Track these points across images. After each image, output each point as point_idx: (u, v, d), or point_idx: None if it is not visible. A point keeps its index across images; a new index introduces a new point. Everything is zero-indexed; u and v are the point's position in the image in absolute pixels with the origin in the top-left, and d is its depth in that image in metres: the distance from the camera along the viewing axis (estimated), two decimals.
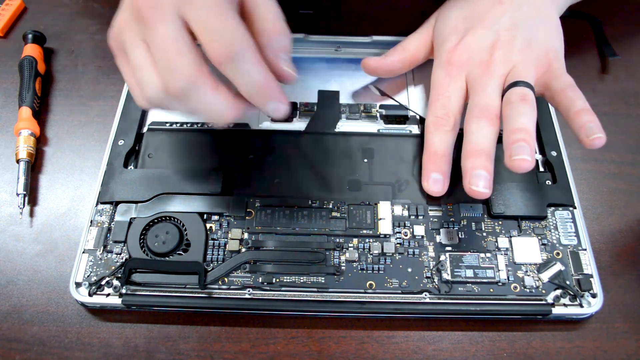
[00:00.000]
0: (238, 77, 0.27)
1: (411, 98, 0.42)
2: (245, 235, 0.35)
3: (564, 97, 0.33)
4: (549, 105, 0.41)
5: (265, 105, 0.29)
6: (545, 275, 0.33)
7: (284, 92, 0.29)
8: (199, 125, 0.40)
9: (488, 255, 0.34)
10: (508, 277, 0.33)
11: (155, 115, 0.40)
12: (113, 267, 0.33)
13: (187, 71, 0.26)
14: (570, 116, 0.32)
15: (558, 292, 0.33)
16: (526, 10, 0.36)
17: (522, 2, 0.37)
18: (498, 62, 0.35)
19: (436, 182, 0.34)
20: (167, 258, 0.34)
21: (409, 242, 0.34)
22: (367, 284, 0.33)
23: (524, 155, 0.30)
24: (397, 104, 0.41)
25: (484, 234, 0.35)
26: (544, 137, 0.39)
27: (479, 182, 0.31)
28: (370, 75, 0.41)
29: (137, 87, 0.29)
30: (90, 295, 0.33)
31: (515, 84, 0.33)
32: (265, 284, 0.33)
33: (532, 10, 0.36)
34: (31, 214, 0.38)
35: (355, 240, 0.34)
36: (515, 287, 0.33)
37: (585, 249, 0.34)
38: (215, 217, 0.35)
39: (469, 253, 0.34)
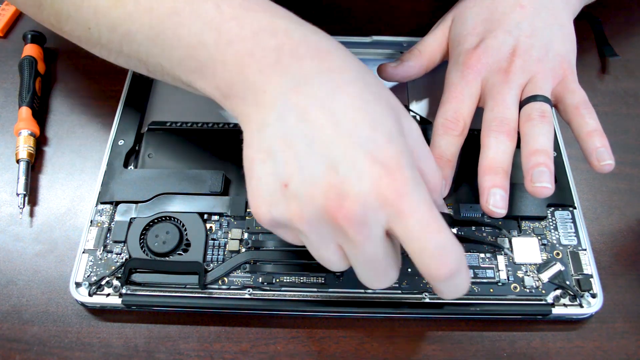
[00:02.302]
0: (449, 290, 0.25)
1: (411, 98, 0.42)
2: (245, 235, 0.35)
3: (577, 115, 0.33)
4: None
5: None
6: (545, 276, 0.33)
7: None
8: (199, 125, 0.40)
9: (488, 255, 0.34)
10: (508, 277, 0.33)
11: (155, 115, 0.40)
12: (113, 267, 0.33)
13: (392, 280, 0.26)
14: (582, 137, 0.32)
15: (558, 292, 0.33)
16: (544, 17, 0.35)
17: (541, 7, 0.35)
18: (517, 71, 0.34)
19: None
20: (167, 258, 0.34)
21: None
22: None
23: (545, 183, 0.29)
24: None
25: (484, 234, 0.35)
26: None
27: (498, 202, 0.30)
28: (387, 81, 0.40)
29: (343, 267, 0.26)
30: (90, 295, 0.33)
31: (534, 97, 0.33)
32: (265, 284, 0.33)
33: (550, 17, 0.35)
34: (31, 214, 0.38)
35: None
36: (515, 287, 0.33)
37: (585, 249, 0.34)
38: (215, 217, 0.35)
39: (469, 253, 0.34)
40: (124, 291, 0.33)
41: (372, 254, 0.24)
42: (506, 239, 0.35)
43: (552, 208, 0.36)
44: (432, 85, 0.42)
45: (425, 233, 0.23)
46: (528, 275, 0.33)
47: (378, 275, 0.26)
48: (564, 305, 0.33)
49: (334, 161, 0.23)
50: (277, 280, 0.33)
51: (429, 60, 0.39)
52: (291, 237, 0.26)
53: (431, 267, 0.23)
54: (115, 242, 0.34)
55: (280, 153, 0.24)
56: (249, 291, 0.33)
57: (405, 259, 0.34)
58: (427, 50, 0.39)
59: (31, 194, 0.38)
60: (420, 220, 0.23)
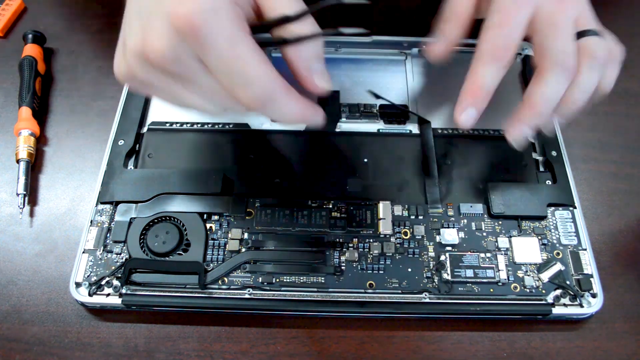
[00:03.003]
0: (275, 116, 0.27)
1: (411, 98, 0.42)
2: (245, 235, 0.35)
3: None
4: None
5: (305, 125, 0.30)
6: (545, 275, 0.33)
7: (315, 102, 0.28)
8: (199, 125, 0.40)
9: (488, 255, 0.34)
10: (508, 277, 0.33)
11: (155, 115, 0.40)
12: (113, 267, 0.33)
13: (252, 95, 0.26)
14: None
15: (558, 292, 0.33)
16: None
17: None
18: (570, 1, 0.31)
19: (469, 117, 0.32)
20: (167, 258, 0.34)
21: (409, 242, 0.34)
22: (367, 284, 0.33)
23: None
24: (397, 104, 0.41)
25: (484, 234, 0.35)
26: (544, 137, 0.39)
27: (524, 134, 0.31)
28: (435, 62, 0.35)
29: (204, 104, 0.28)
30: (90, 295, 0.33)
31: (593, 32, 0.31)
32: (265, 284, 0.33)
33: None
34: (31, 214, 0.38)
35: (355, 240, 0.34)
36: (516, 287, 0.33)
37: (585, 249, 0.34)
38: (215, 217, 0.35)
39: (469, 253, 0.34)
40: (124, 291, 0.33)
41: (206, 85, 0.26)
42: (506, 239, 0.35)
43: (552, 208, 0.36)
44: (432, 85, 0.42)
45: (227, 69, 0.24)
46: (528, 275, 0.33)
47: (228, 104, 0.27)
48: (564, 305, 0.33)
49: (150, 10, 0.25)
50: (277, 280, 0.33)
51: (468, 19, 0.34)
52: (155, 93, 0.29)
53: (241, 100, 0.25)
54: (115, 242, 0.34)
55: (127, 18, 0.27)
56: (249, 291, 0.33)
57: (405, 259, 0.34)
58: (461, 8, 0.34)
59: (31, 194, 0.38)
60: (219, 54, 0.24)
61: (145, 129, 0.40)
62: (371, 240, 0.34)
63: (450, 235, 0.34)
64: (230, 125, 0.40)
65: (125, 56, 0.27)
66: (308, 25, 0.27)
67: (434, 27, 0.35)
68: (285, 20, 0.27)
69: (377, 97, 0.40)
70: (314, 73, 0.28)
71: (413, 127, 0.40)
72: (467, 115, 0.32)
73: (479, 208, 0.36)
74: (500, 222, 0.35)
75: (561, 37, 0.30)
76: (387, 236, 0.35)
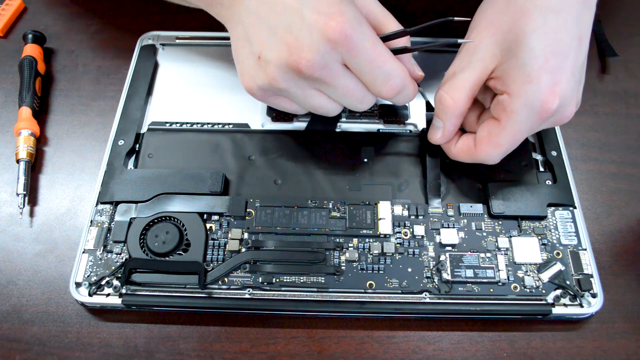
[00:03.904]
0: (402, 100, 0.33)
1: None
2: (245, 235, 0.35)
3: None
4: None
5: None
6: (546, 275, 0.33)
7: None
8: (199, 125, 0.40)
9: (488, 255, 0.34)
10: (508, 277, 0.33)
11: (155, 115, 0.40)
12: (113, 267, 0.33)
13: (373, 100, 0.33)
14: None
15: (558, 292, 0.33)
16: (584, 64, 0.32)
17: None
18: (564, 120, 0.32)
19: None
20: (167, 258, 0.34)
21: (409, 242, 0.34)
22: (367, 284, 0.33)
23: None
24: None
25: (484, 234, 0.35)
26: (544, 137, 0.39)
27: None
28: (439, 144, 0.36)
29: (330, 105, 0.32)
30: (90, 295, 0.33)
31: None
32: (265, 284, 0.33)
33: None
34: (31, 214, 0.38)
35: (355, 240, 0.34)
36: (516, 287, 0.33)
37: (585, 249, 0.34)
38: (215, 217, 0.35)
39: (469, 253, 0.34)
40: (124, 291, 0.33)
41: (344, 86, 0.30)
42: (506, 239, 0.35)
43: (552, 208, 0.36)
44: (432, 85, 0.42)
45: (372, 67, 0.30)
46: (528, 275, 0.33)
47: (359, 100, 0.32)
48: (564, 305, 0.33)
49: (289, 25, 0.29)
50: (277, 280, 0.33)
51: (468, 106, 0.33)
52: (285, 104, 0.33)
53: (382, 92, 0.31)
54: (115, 242, 0.34)
55: (253, 34, 0.30)
56: (249, 291, 0.33)
57: (405, 260, 0.34)
58: (465, 95, 0.32)
59: (31, 194, 0.38)
60: (366, 56, 0.29)
61: (145, 129, 0.40)
62: (371, 240, 0.34)
63: (450, 235, 0.34)
64: (230, 125, 0.40)
65: (264, 69, 0.30)
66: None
67: (430, 106, 0.37)
68: (402, 33, 0.33)
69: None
70: (415, 68, 0.34)
71: (413, 127, 0.40)
72: None
73: (479, 208, 0.36)
74: (500, 222, 0.35)
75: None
76: (387, 236, 0.35)
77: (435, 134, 0.35)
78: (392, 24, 0.33)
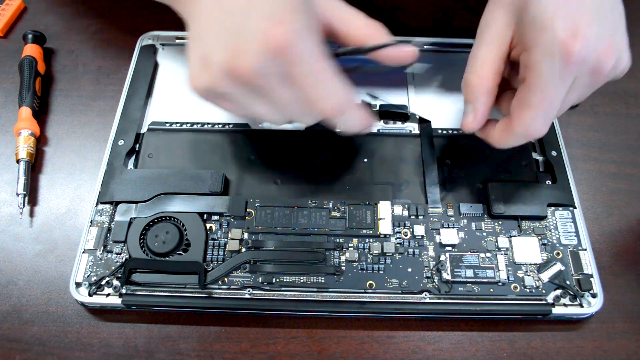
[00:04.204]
0: (344, 124, 0.31)
1: (411, 98, 0.42)
2: (245, 235, 0.35)
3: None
4: None
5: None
6: (545, 275, 0.33)
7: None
8: (199, 125, 0.40)
9: (488, 255, 0.34)
10: (508, 277, 0.33)
11: (155, 115, 0.40)
12: (113, 267, 0.33)
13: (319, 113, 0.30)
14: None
15: (558, 292, 0.33)
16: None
17: None
18: (606, 77, 0.30)
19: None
20: (167, 258, 0.34)
21: (409, 242, 0.34)
22: (367, 284, 0.33)
23: None
24: (397, 104, 0.41)
25: (484, 234, 0.35)
26: (544, 137, 0.39)
27: None
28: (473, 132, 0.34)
29: (274, 115, 0.31)
30: (90, 295, 0.33)
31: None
32: (265, 284, 0.33)
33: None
34: (31, 214, 0.38)
35: (355, 240, 0.34)
36: (516, 287, 0.33)
37: (585, 249, 0.34)
38: (215, 217, 0.35)
39: (469, 253, 0.34)
40: (124, 291, 0.33)
41: (285, 98, 0.28)
42: (506, 239, 0.35)
43: (552, 208, 0.36)
44: (432, 85, 0.42)
45: (312, 82, 0.28)
46: (528, 275, 0.33)
47: (301, 114, 0.30)
48: (564, 305, 0.33)
49: (236, 29, 0.27)
50: (277, 280, 0.33)
51: (495, 90, 0.32)
52: (228, 105, 0.31)
53: (319, 110, 0.29)
54: (115, 242, 0.34)
55: (204, 34, 0.29)
56: (249, 291, 0.33)
57: (405, 260, 0.34)
58: (488, 70, 0.31)
59: (31, 194, 0.38)
60: (307, 70, 0.27)
61: (145, 129, 0.40)
62: (371, 240, 0.34)
63: (450, 235, 0.34)
64: (230, 125, 0.40)
65: (208, 70, 0.28)
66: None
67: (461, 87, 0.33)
68: (358, 51, 0.31)
69: (375, 98, 0.40)
70: (402, 47, 0.32)
71: (413, 127, 0.40)
72: None
73: (479, 208, 0.36)
74: (500, 222, 0.35)
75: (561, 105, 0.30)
76: (387, 236, 0.35)
77: (467, 118, 0.32)
78: (358, 24, 0.31)
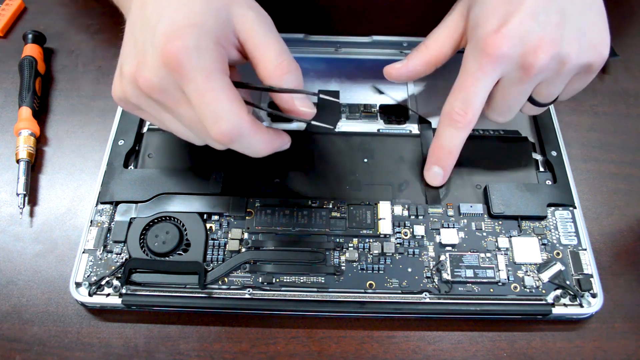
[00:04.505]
0: (244, 151, 0.29)
1: (411, 97, 0.42)
2: (245, 235, 0.35)
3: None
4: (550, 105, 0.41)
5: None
6: (545, 275, 0.33)
7: (280, 130, 0.32)
8: None
9: (488, 255, 0.34)
10: (508, 277, 0.33)
11: None
12: (113, 267, 0.33)
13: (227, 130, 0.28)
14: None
15: (558, 292, 0.33)
16: None
17: None
18: (540, 71, 0.30)
19: (435, 175, 0.35)
20: (167, 258, 0.34)
21: (409, 242, 0.34)
22: (367, 284, 0.33)
23: None
24: (397, 103, 0.41)
25: (484, 234, 0.35)
26: (544, 137, 0.39)
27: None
28: (395, 81, 0.37)
29: (186, 132, 0.30)
30: (90, 295, 0.33)
31: (539, 104, 0.34)
32: (265, 284, 0.33)
33: None
34: (31, 214, 0.38)
35: (355, 240, 0.34)
36: (515, 287, 0.33)
37: (585, 249, 0.34)
38: (215, 217, 0.35)
39: (469, 253, 0.34)
40: (124, 291, 0.33)
41: (186, 116, 0.28)
42: (506, 239, 0.35)
43: (552, 208, 0.36)
44: (432, 85, 0.42)
45: (200, 102, 0.26)
46: (528, 275, 0.33)
47: (206, 135, 0.28)
48: (564, 305, 0.33)
49: (143, 41, 0.27)
50: (277, 280, 0.33)
51: (436, 56, 0.35)
52: (145, 116, 0.31)
53: (211, 131, 0.27)
54: (115, 242, 0.34)
55: (124, 45, 0.29)
56: (249, 291, 0.33)
57: (405, 260, 0.34)
58: (435, 44, 0.35)
59: (31, 194, 0.38)
60: (196, 88, 0.26)
61: (145, 129, 0.40)
62: (371, 240, 0.34)
63: (450, 235, 0.34)
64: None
65: (121, 80, 0.29)
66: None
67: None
68: (269, 90, 0.29)
69: (381, 92, 0.40)
70: (296, 101, 0.30)
71: (413, 127, 0.40)
72: (433, 173, 0.36)
73: (479, 208, 0.36)
74: (500, 222, 0.35)
75: (506, 111, 0.34)
76: (387, 236, 0.35)
77: (396, 64, 0.36)
78: (270, 58, 0.29)
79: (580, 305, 0.33)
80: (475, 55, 0.31)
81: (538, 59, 0.30)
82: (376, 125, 0.40)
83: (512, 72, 0.31)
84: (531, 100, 0.34)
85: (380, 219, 0.35)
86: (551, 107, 0.41)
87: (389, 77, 0.37)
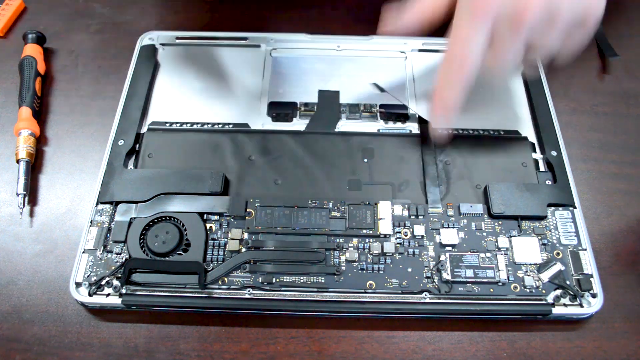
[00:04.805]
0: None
1: (411, 97, 0.42)
2: (245, 235, 0.35)
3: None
4: (550, 105, 0.41)
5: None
6: (545, 275, 0.33)
7: None
8: (199, 125, 0.40)
9: (488, 255, 0.34)
10: (508, 277, 0.33)
11: (155, 115, 0.40)
12: (113, 267, 0.33)
13: None
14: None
15: (558, 292, 0.33)
16: None
17: None
18: (531, 25, 0.30)
19: (441, 114, 0.34)
20: (167, 258, 0.34)
21: (409, 242, 0.34)
22: (367, 284, 0.33)
23: None
24: (398, 102, 0.41)
25: (484, 234, 0.35)
26: (544, 137, 0.39)
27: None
28: (389, 35, 0.36)
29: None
30: (90, 295, 0.33)
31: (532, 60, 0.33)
32: (265, 284, 0.33)
33: None
34: (31, 214, 0.38)
35: (355, 240, 0.34)
36: (516, 287, 0.33)
37: (585, 249, 0.34)
38: (215, 217, 0.35)
39: (469, 253, 0.34)
40: (124, 291, 0.33)
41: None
42: (506, 239, 0.35)
43: (552, 208, 0.36)
44: (432, 85, 0.42)
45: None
46: (528, 275, 0.33)
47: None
48: (564, 305, 0.33)
49: None
50: (277, 280, 0.33)
51: (432, 14, 0.34)
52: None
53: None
54: (115, 242, 0.34)
55: None
56: (249, 291, 0.33)
57: (405, 260, 0.34)
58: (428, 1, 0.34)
59: (31, 194, 0.38)
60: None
61: (145, 129, 0.40)
62: (371, 240, 0.34)
63: (450, 235, 0.34)
64: (230, 125, 0.40)
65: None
66: None
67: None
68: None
69: (382, 90, 0.40)
70: None
71: (413, 127, 0.40)
72: (438, 116, 0.34)
73: (479, 208, 0.36)
74: (500, 222, 0.35)
75: (497, 63, 0.32)
76: (387, 236, 0.35)
77: (388, 22, 0.35)
78: None
79: (580, 305, 0.33)
80: (465, 12, 0.31)
81: (527, 12, 0.30)
82: (376, 125, 0.40)
83: (502, 27, 0.31)
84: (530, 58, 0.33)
85: (380, 219, 0.35)
86: (551, 107, 0.41)
87: (384, 32, 0.36)
